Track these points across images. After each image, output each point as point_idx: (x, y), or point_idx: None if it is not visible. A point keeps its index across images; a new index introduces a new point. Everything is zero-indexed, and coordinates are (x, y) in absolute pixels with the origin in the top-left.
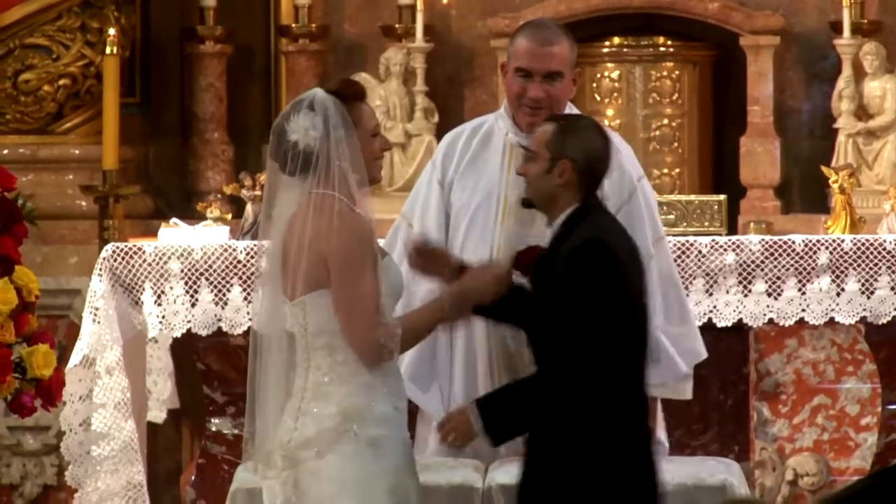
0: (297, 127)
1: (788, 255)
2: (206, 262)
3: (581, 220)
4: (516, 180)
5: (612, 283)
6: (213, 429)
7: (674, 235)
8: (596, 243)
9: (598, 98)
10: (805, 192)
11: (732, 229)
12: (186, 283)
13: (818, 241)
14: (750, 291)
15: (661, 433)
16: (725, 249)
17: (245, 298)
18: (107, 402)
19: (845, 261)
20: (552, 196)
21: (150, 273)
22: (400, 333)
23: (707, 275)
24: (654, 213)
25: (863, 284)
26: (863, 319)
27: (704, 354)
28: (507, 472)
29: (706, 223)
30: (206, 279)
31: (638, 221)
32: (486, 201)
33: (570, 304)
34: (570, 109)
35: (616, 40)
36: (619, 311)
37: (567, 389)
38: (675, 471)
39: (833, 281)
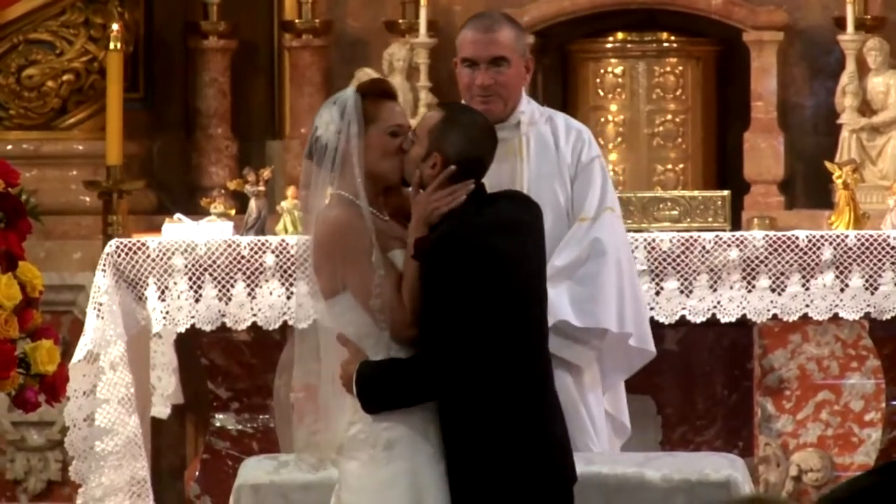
0: (321, 121)
1: (792, 250)
2: (209, 258)
3: (449, 214)
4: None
5: (464, 281)
6: (217, 424)
7: (677, 231)
8: (447, 241)
9: (602, 93)
10: (809, 187)
11: (736, 225)
12: (190, 279)
13: (822, 236)
14: (754, 287)
15: (623, 417)
16: (729, 245)
17: (249, 294)
18: (111, 398)
19: (849, 256)
20: (423, 184)
21: (153, 268)
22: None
23: (711, 270)
24: (608, 186)
25: (867, 280)
26: (867, 315)
27: (605, 325)
28: None
29: (710, 219)
30: (210, 275)
31: (590, 184)
32: None
33: (428, 300)
34: (529, 101)
35: (619, 36)
36: (477, 306)
37: (443, 377)
38: (678, 466)
39: (837, 277)
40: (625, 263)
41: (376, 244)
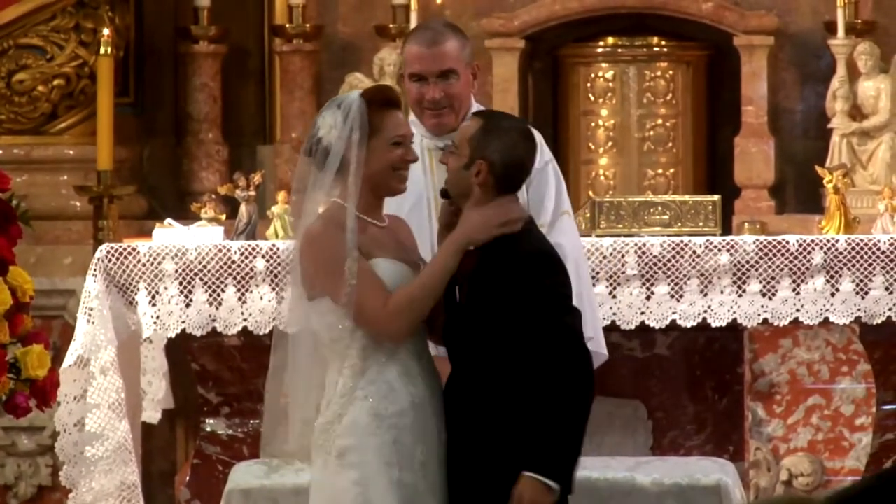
0: (323, 123)
1: (783, 255)
2: (200, 263)
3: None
4: (441, 179)
5: (563, 292)
6: (208, 429)
7: (668, 235)
8: (547, 257)
9: (593, 98)
10: (799, 192)
11: (727, 229)
12: (181, 284)
13: (812, 241)
14: (744, 291)
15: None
16: (720, 250)
17: (239, 299)
18: (101, 403)
19: (840, 261)
20: (467, 193)
21: (144, 273)
22: (410, 293)
23: (701, 275)
24: (562, 189)
25: (857, 284)
26: (857, 319)
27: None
28: None
29: (700, 223)
30: (201, 279)
31: (546, 187)
32: (417, 204)
33: (559, 300)
34: (475, 106)
35: (610, 40)
36: (568, 319)
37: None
38: (669, 471)
39: (827, 281)
40: (582, 267)
41: (354, 254)
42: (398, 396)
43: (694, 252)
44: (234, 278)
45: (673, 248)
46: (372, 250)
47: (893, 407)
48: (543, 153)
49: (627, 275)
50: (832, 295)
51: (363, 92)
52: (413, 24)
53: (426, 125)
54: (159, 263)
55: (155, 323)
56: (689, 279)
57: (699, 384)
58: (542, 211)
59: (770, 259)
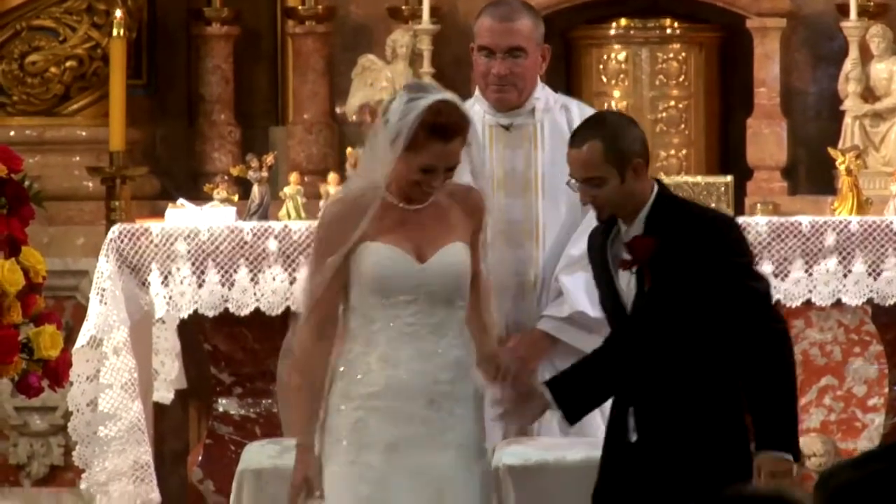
0: (392, 107)
1: (795, 236)
2: (212, 244)
3: (671, 202)
4: (500, 157)
5: (746, 258)
6: (221, 409)
7: None
8: (730, 219)
9: (605, 80)
10: (812, 173)
11: (739, 211)
12: (193, 265)
13: (825, 222)
14: None
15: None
16: None
17: (252, 279)
18: (114, 383)
19: (852, 242)
20: (631, 199)
21: (156, 254)
22: (295, 382)
23: None
24: None
25: (870, 266)
26: (869, 301)
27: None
28: (514, 454)
29: (713, 204)
30: (213, 260)
31: None
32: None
33: (745, 270)
34: (543, 87)
35: (623, 22)
36: (755, 284)
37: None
38: None
39: (840, 262)
40: None
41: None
42: (373, 378)
43: None
44: (247, 259)
45: None
46: (375, 234)
47: None
48: None
49: None
50: (844, 276)
51: (430, 106)
52: (426, 5)
53: (489, 100)
54: (172, 244)
55: (167, 303)
56: None
57: None
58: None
59: (782, 240)
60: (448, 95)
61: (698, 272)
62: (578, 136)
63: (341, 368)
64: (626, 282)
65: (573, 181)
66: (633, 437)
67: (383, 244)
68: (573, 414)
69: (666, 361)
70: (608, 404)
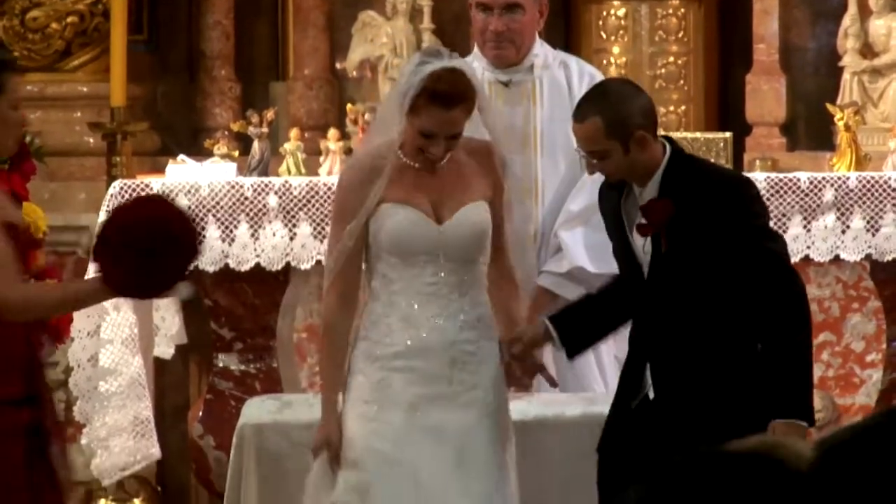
0: (403, 70)
1: (794, 192)
2: (213, 199)
3: (685, 163)
4: (499, 113)
5: (763, 219)
6: (221, 365)
7: None
8: (746, 180)
9: (605, 36)
10: (810, 129)
11: (738, 166)
12: (193, 220)
13: (823, 178)
14: None
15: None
16: None
17: (252, 235)
18: (114, 339)
19: (850, 198)
20: (640, 166)
21: None
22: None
23: None
24: None
25: (868, 222)
26: (868, 257)
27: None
28: (514, 410)
29: (712, 160)
30: (214, 216)
31: None
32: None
33: (764, 232)
34: (542, 44)
35: None
36: (772, 245)
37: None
38: None
39: (838, 218)
40: None
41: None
42: (395, 339)
43: None
44: (247, 215)
45: None
46: (393, 196)
47: None
48: None
49: None
50: (843, 232)
51: (432, 73)
52: None
53: (487, 56)
54: (172, 200)
55: None
56: None
57: None
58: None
59: (781, 196)
60: (457, 63)
61: (715, 235)
62: (581, 110)
63: (364, 330)
64: (642, 243)
65: (580, 152)
66: (651, 394)
67: (401, 206)
68: (574, 350)
69: (684, 322)
70: (607, 362)
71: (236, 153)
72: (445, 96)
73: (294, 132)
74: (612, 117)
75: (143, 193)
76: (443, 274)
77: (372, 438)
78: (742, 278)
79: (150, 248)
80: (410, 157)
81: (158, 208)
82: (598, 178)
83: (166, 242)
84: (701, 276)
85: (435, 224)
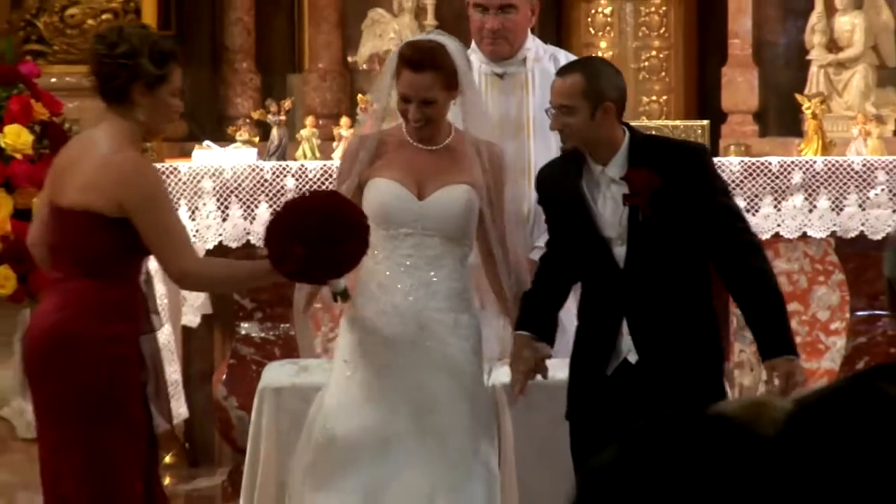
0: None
1: (765, 175)
2: (235, 181)
3: (647, 139)
4: (495, 102)
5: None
6: (243, 332)
7: None
8: (703, 147)
9: (593, 32)
10: (781, 117)
11: (714, 151)
12: (218, 200)
13: (792, 162)
14: None
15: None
16: None
17: (271, 214)
18: None
19: (817, 180)
20: (598, 138)
21: (184, 191)
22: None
23: None
24: None
25: (833, 202)
26: (833, 234)
27: None
28: (507, 374)
29: None
30: (236, 196)
31: None
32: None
33: (724, 191)
34: (533, 39)
35: None
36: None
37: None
38: None
39: (806, 199)
40: None
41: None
42: (373, 304)
43: None
44: (267, 195)
45: None
46: (384, 170)
47: (865, 313)
48: None
49: None
50: (810, 211)
51: (405, 42)
52: None
53: (483, 51)
54: (198, 182)
55: (195, 236)
56: None
57: None
58: None
59: (754, 178)
60: (434, 36)
61: (690, 196)
62: (566, 68)
63: (353, 294)
64: (619, 214)
65: (550, 109)
66: (634, 359)
67: (388, 179)
68: (551, 340)
69: (665, 287)
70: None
71: (257, 139)
72: (413, 61)
73: (309, 120)
74: (591, 81)
75: (319, 189)
76: (420, 247)
77: (351, 392)
78: (712, 234)
79: (322, 238)
80: (408, 131)
81: (334, 202)
82: None
83: (338, 233)
84: (681, 237)
85: (416, 199)
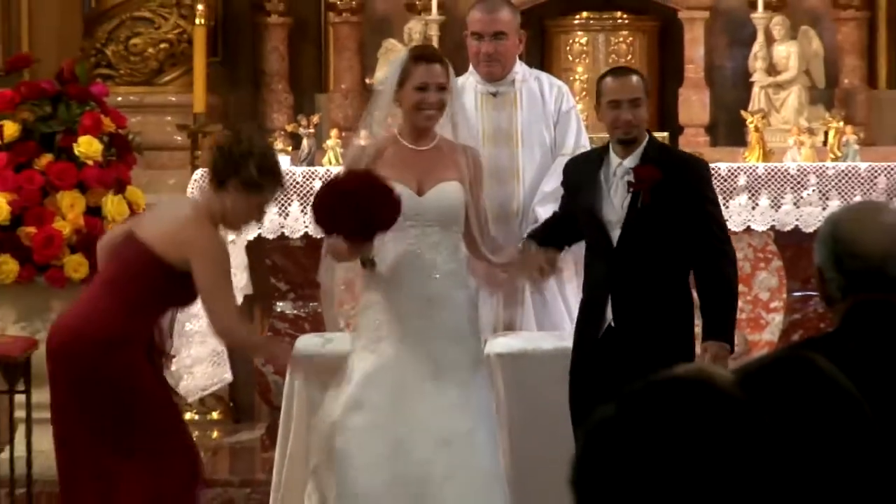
0: (381, 72)
1: (715, 178)
2: None
3: (659, 143)
4: (489, 117)
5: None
6: (278, 310)
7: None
8: (705, 162)
9: (570, 58)
10: (728, 130)
11: None
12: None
13: (738, 167)
14: None
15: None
16: None
17: (302, 210)
18: None
19: (759, 183)
20: (644, 127)
21: None
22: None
23: None
24: (582, 129)
25: (772, 201)
26: (772, 227)
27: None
28: (501, 344)
29: None
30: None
31: (569, 127)
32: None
33: (714, 203)
34: (521, 64)
35: (584, 14)
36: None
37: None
38: None
39: (749, 198)
40: None
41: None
42: (383, 286)
43: None
44: (298, 195)
45: None
46: (387, 171)
47: (800, 294)
48: (569, 100)
49: None
50: (753, 209)
51: (412, 47)
52: (434, 1)
53: (480, 73)
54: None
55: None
56: None
57: None
58: (564, 144)
59: None
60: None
61: (683, 197)
62: (619, 72)
63: (366, 280)
64: (622, 200)
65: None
66: (613, 323)
67: (394, 181)
68: (547, 244)
69: (648, 264)
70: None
71: (290, 148)
72: (426, 55)
73: (334, 132)
74: (643, 80)
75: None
76: (422, 236)
77: (370, 360)
78: (696, 233)
79: (361, 205)
80: (410, 134)
81: (369, 178)
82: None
83: (376, 201)
84: (669, 229)
85: (416, 195)
